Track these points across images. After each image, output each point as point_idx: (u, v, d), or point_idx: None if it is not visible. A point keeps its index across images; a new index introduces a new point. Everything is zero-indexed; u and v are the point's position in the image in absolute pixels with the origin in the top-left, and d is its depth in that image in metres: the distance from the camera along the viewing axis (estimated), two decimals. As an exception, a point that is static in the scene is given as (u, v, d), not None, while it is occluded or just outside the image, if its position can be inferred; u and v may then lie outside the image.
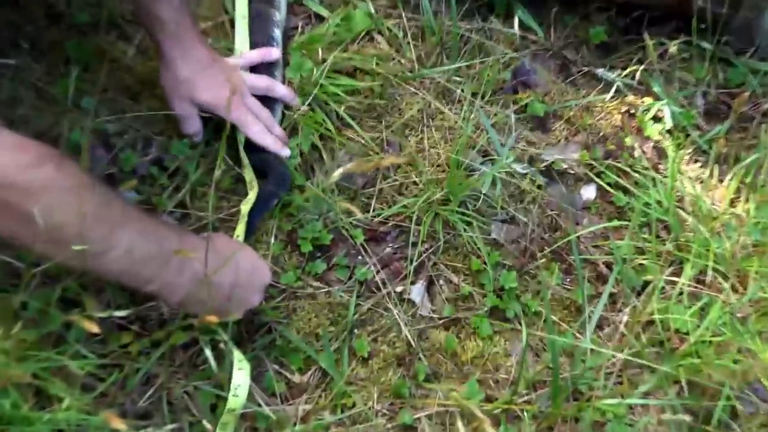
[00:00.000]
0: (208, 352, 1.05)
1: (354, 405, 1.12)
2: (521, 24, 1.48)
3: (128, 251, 0.87)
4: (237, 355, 1.06)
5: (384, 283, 1.22)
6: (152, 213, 1.19)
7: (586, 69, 1.47)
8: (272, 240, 1.23)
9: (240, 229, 1.16)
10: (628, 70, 1.44)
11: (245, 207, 1.19)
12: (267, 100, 1.28)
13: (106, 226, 0.86)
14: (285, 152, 1.25)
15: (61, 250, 0.84)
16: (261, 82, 1.28)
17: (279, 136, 1.26)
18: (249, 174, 1.24)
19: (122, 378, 1.05)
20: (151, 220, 0.94)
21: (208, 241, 0.95)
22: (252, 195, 1.21)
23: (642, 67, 1.42)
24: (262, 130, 1.24)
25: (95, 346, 1.05)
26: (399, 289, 1.22)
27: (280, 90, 1.29)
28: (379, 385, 1.14)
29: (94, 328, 0.90)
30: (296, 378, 1.14)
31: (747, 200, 1.29)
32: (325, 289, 1.21)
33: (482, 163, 1.32)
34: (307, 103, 1.30)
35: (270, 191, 1.22)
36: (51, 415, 0.95)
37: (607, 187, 1.34)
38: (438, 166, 1.32)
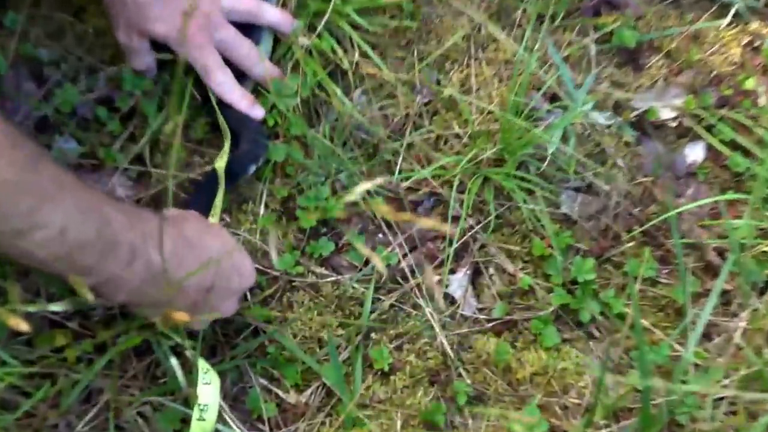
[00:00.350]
0: (173, 361, 1.05)
1: (370, 436, 1.12)
2: None
3: (61, 232, 0.87)
4: (202, 365, 1.06)
5: (413, 272, 1.22)
6: (98, 173, 1.19)
7: (693, -16, 1.46)
8: (261, 210, 1.23)
9: (218, 199, 1.16)
10: (752, -13, 1.43)
11: (220, 162, 1.19)
12: (252, 27, 1.27)
13: (32, 197, 0.85)
14: (256, 113, 1.24)
15: None
16: (243, 3, 1.26)
17: (266, 73, 1.25)
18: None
19: (55, 393, 1.06)
20: (93, 192, 0.94)
21: (183, 223, 0.94)
22: (228, 145, 1.21)
23: (772, -18, 1.41)
24: (229, 80, 1.23)
25: (19, 349, 1.06)
26: (433, 279, 1.21)
27: (270, 15, 1.28)
28: (405, 409, 1.15)
29: (22, 326, 0.87)
30: (291, 397, 1.14)
31: None
32: (333, 278, 1.21)
33: (549, 111, 1.32)
34: (309, 26, 1.28)
35: (238, 161, 1.22)
36: (-42, 440, 0.96)
37: (721, 147, 1.33)
38: (489, 113, 1.31)
